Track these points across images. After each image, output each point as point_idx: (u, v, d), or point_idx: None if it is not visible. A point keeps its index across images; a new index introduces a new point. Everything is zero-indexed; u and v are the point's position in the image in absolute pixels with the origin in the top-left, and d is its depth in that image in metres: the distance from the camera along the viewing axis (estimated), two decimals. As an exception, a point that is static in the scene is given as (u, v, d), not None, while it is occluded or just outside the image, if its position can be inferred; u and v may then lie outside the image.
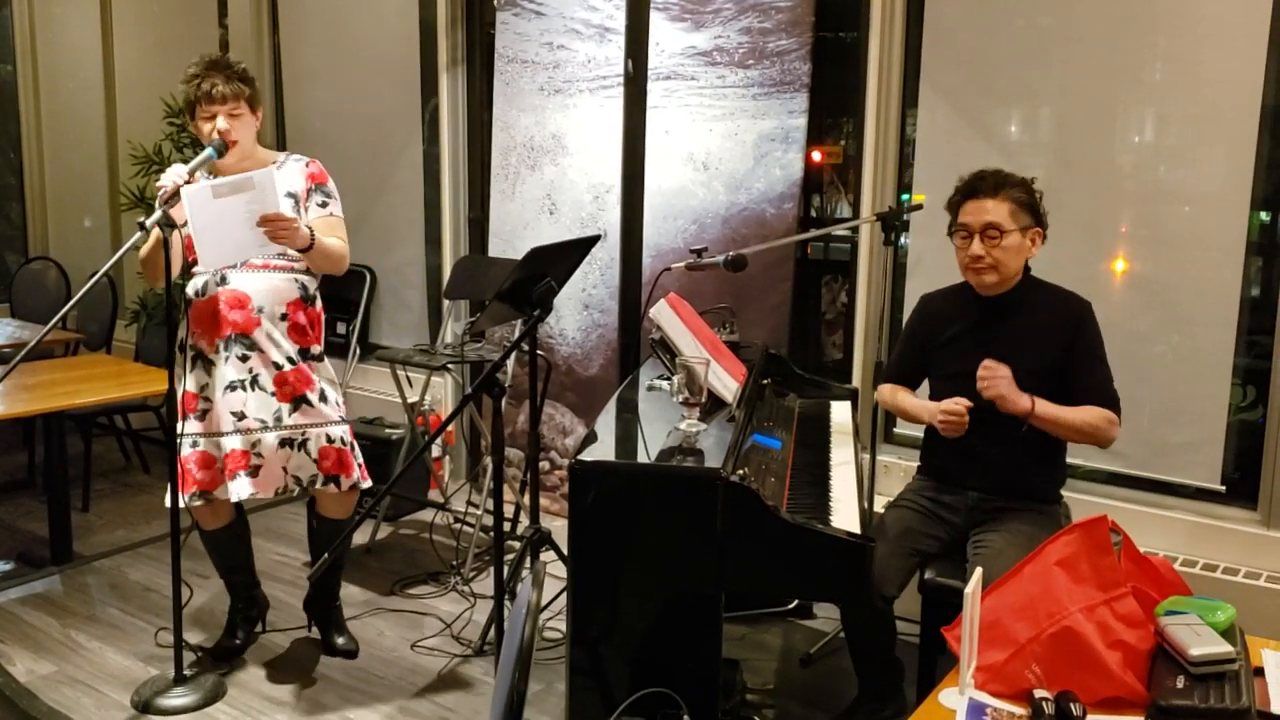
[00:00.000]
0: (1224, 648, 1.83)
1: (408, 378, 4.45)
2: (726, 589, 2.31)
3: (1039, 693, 1.83)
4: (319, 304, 3.27)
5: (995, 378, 2.66)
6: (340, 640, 3.44)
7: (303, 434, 3.17)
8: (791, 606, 3.72)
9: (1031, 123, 3.64)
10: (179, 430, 3.12)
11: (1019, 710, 1.84)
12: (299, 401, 3.15)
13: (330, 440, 3.19)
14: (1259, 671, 1.93)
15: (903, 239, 3.80)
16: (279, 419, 3.13)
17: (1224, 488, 3.27)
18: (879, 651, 2.80)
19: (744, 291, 3.99)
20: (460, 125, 5.02)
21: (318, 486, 3.22)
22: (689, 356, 2.59)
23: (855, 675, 2.88)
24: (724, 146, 4.16)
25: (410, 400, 4.43)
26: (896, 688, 2.86)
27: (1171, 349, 3.33)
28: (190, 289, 3.16)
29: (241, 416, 3.10)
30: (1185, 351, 3.31)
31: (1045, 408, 2.66)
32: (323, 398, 3.19)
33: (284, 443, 3.14)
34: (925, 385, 3.01)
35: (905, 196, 3.84)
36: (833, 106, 4.14)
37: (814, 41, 3.98)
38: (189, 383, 3.15)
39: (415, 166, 5.18)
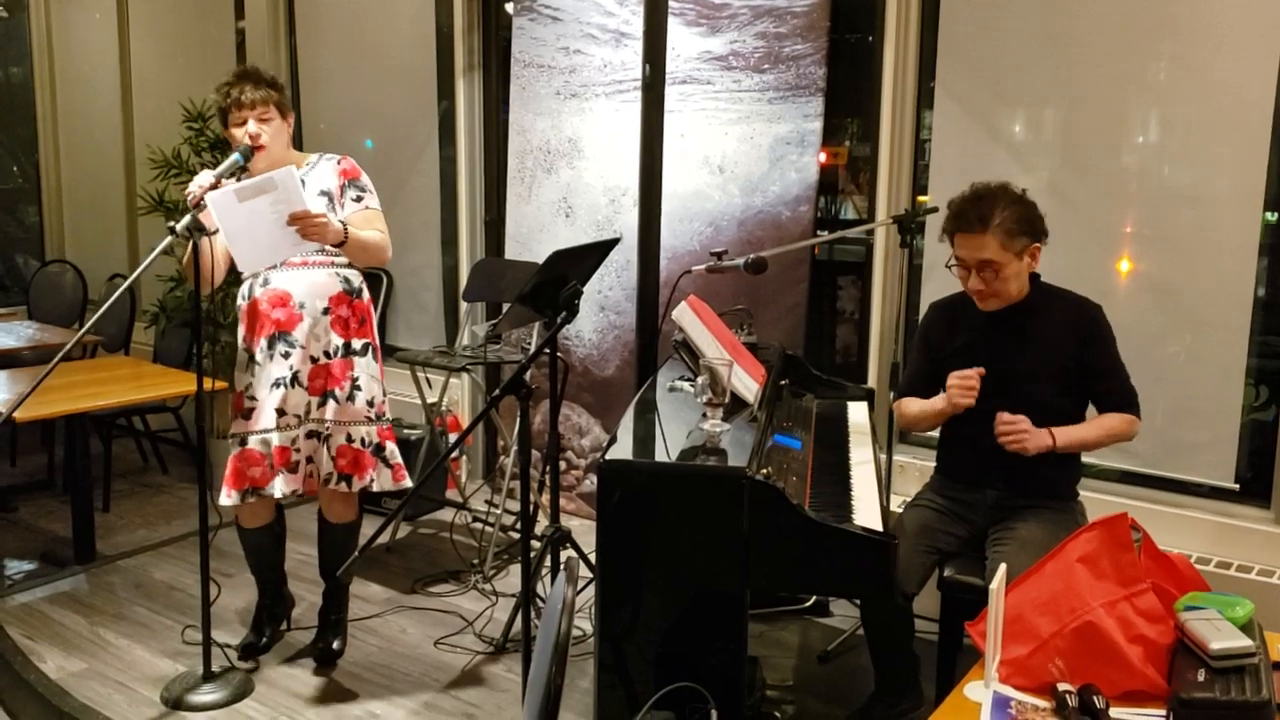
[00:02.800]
0: (1244, 642, 1.87)
1: (426, 379, 4.50)
2: (751, 586, 2.36)
3: (1062, 686, 1.87)
4: (366, 296, 3.31)
5: (1016, 430, 2.68)
6: (336, 643, 3.43)
7: (326, 429, 3.22)
8: (809, 604, 3.76)
9: (1041, 125, 3.68)
10: (228, 431, 3.20)
11: (1043, 703, 1.89)
12: (327, 396, 3.21)
13: (350, 440, 3.24)
14: (1277, 666, 1.97)
15: (918, 241, 3.84)
16: (308, 412, 3.19)
17: (1238, 486, 3.31)
18: (898, 648, 2.84)
19: (760, 293, 4.04)
20: (476, 129, 5.08)
21: (330, 486, 3.27)
22: (712, 358, 2.64)
23: (873, 671, 2.92)
24: (740, 150, 4.20)
25: (430, 401, 4.48)
26: (913, 683, 2.91)
27: (1184, 350, 3.37)
28: (239, 294, 3.23)
29: (282, 413, 3.16)
30: (1198, 352, 3.36)
31: (1066, 436, 2.70)
32: (351, 396, 3.24)
33: (311, 435, 3.21)
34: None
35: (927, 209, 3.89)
36: (848, 109, 4.19)
37: (829, 45, 4.02)
38: (239, 383, 3.22)
39: (431, 170, 5.23)
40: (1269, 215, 3.27)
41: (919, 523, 2.87)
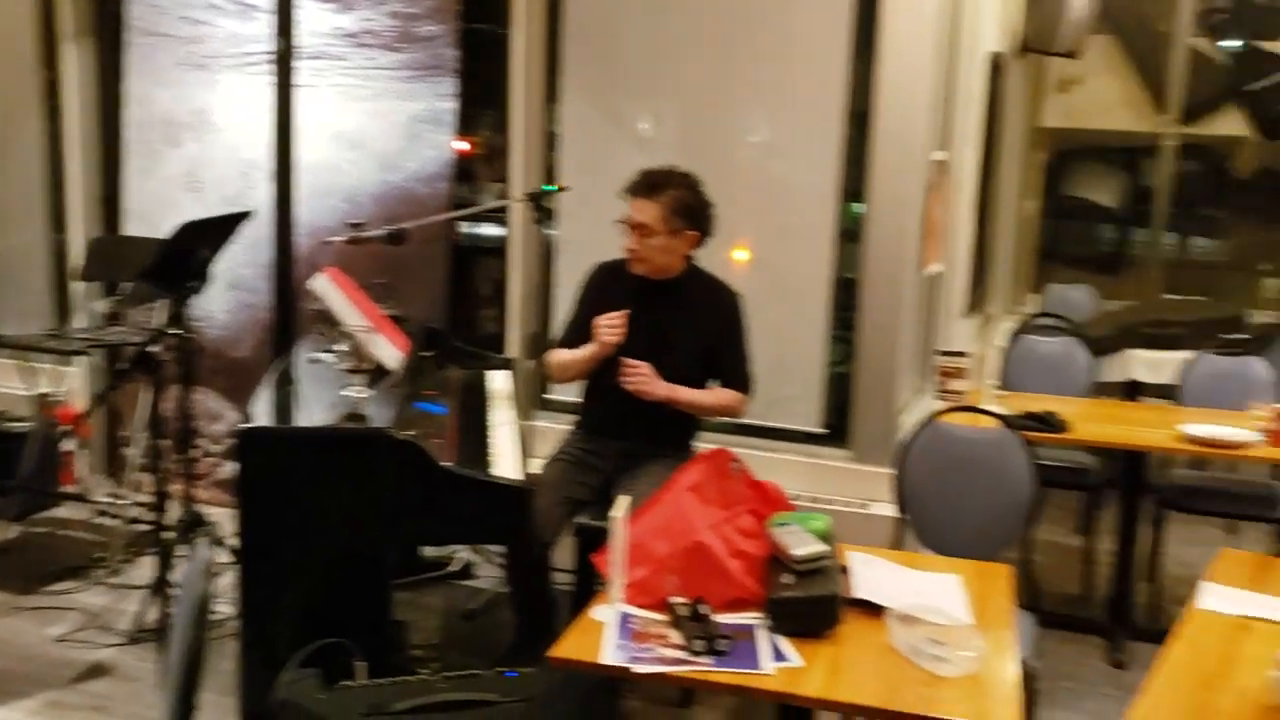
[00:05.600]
0: (821, 547, 2.20)
1: (37, 368, 4.16)
2: (398, 543, 2.45)
3: (675, 599, 2.11)
4: None
5: (637, 375, 2.95)
6: None
7: None
8: (454, 569, 3.89)
9: (662, 119, 4.01)
10: None
11: (661, 617, 2.12)
12: None
13: None
14: (846, 570, 2.33)
15: (551, 222, 4.05)
16: None
17: (825, 431, 3.81)
18: (538, 595, 3.03)
19: (401, 269, 4.10)
20: (88, 100, 4.72)
21: None
22: (353, 325, 2.69)
23: (515, 621, 3.09)
24: (376, 126, 4.23)
25: (40, 392, 4.14)
26: (552, 627, 3.11)
27: (780, 316, 3.82)
28: None
29: None
30: (791, 318, 3.82)
31: (685, 395, 3.01)
32: None
33: None
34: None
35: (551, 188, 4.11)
36: (482, 96, 4.33)
37: (461, 30, 4.15)
38: None
39: (32, 144, 4.81)
40: (856, 206, 3.76)
41: (555, 475, 3.07)
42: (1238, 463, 4.29)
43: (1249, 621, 2.17)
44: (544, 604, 3.06)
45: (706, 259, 3.22)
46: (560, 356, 3.19)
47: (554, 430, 3.99)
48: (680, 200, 3.01)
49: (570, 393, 3.43)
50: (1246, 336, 4.86)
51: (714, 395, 3.09)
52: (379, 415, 2.55)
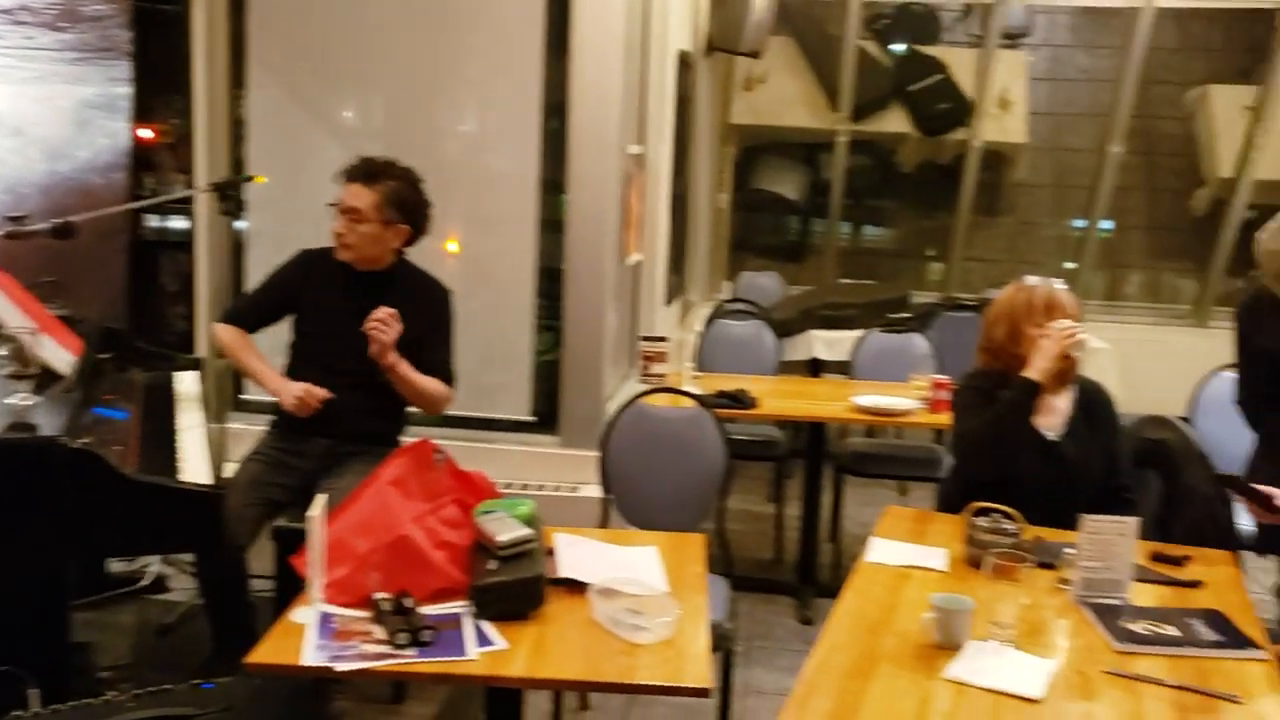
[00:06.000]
0: (524, 532, 2.25)
1: None
2: (79, 559, 2.29)
3: (379, 595, 2.10)
4: None
5: (379, 324, 2.84)
6: None
7: None
8: (145, 584, 3.66)
9: (366, 109, 3.94)
10: None
11: (363, 614, 2.10)
12: None
13: None
14: (552, 551, 2.40)
15: (242, 214, 3.88)
16: None
17: (535, 418, 3.88)
18: (234, 601, 2.91)
19: (74, 266, 3.79)
20: None
21: None
22: (14, 327, 2.48)
23: (211, 632, 2.96)
24: (39, 112, 3.89)
25: None
26: (251, 635, 2.99)
27: (487, 306, 3.85)
28: None
29: None
30: (499, 308, 3.86)
31: (404, 367, 2.95)
32: None
33: None
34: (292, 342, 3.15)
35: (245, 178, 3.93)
36: (163, 80, 4.08)
37: (134, 9, 3.88)
38: None
39: None
40: (564, 197, 3.83)
41: (249, 476, 2.96)
42: (904, 429, 4.74)
43: (909, 570, 2.42)
44: (241, 611, 2.93)
45: (415, 248, 3.20)
46: (247, 359, 3.07)
47: (250, 432, 3.83)
48: (397, 192, 2.98)
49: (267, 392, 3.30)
50: (910, 316, 5.36)
51: (430, 382, 3.07)
52: (49, 423, 2.37)
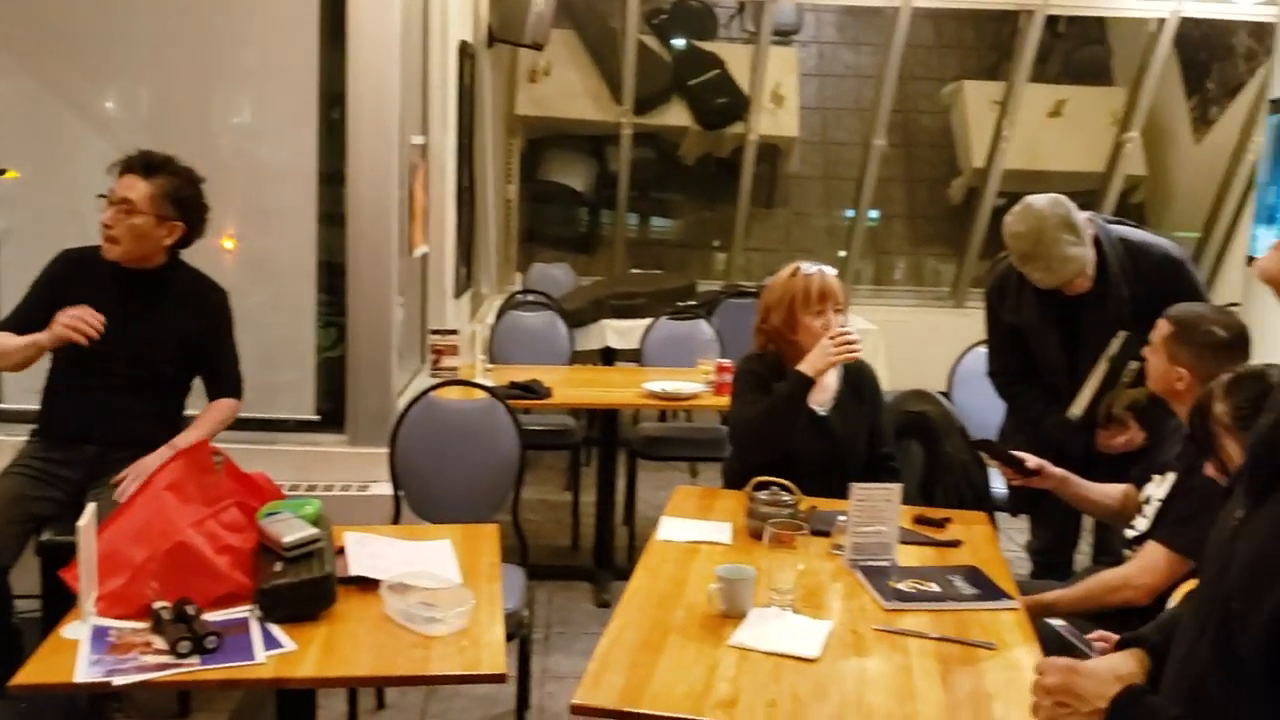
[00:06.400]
0: (310, 532, 2.21)
1: None
2: None
3: (158, 604, 2.01)
4: None
5: None
6: None
7: None
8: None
9: (130, 100, 3.72)
10: None
11: (142, 625, 2.01)
12: None
13: None
14: (343, 550, 2.36)
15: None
16: None
17: (319, 417, 3.78)
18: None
19: None
20: None
21: None
22: None
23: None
24: None
25: None
26: (18, 658, 2.80)
27: (267, 302, 3.72)
28: None
29: None
30: (278, 305, 3.74)
31: (182, 441, 2.77)
32: None
33: None
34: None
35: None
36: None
37: None
38: None
39: None
40: (327, 188, 3.73)
41: (9, 492, 2.77)
42: (693, 412, 4.90)
43: (697, 546, 2.51)
44: (3, 634, 2.74)
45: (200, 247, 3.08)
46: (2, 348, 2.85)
47: (9, 444, 3.58)
48: (176, 188, 2.87)
49: (30, 400, 3.09)
50: (696, 304, 5.54)
51: (210, 421, 2.95)
52: None
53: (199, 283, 3.03)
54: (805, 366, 2.76)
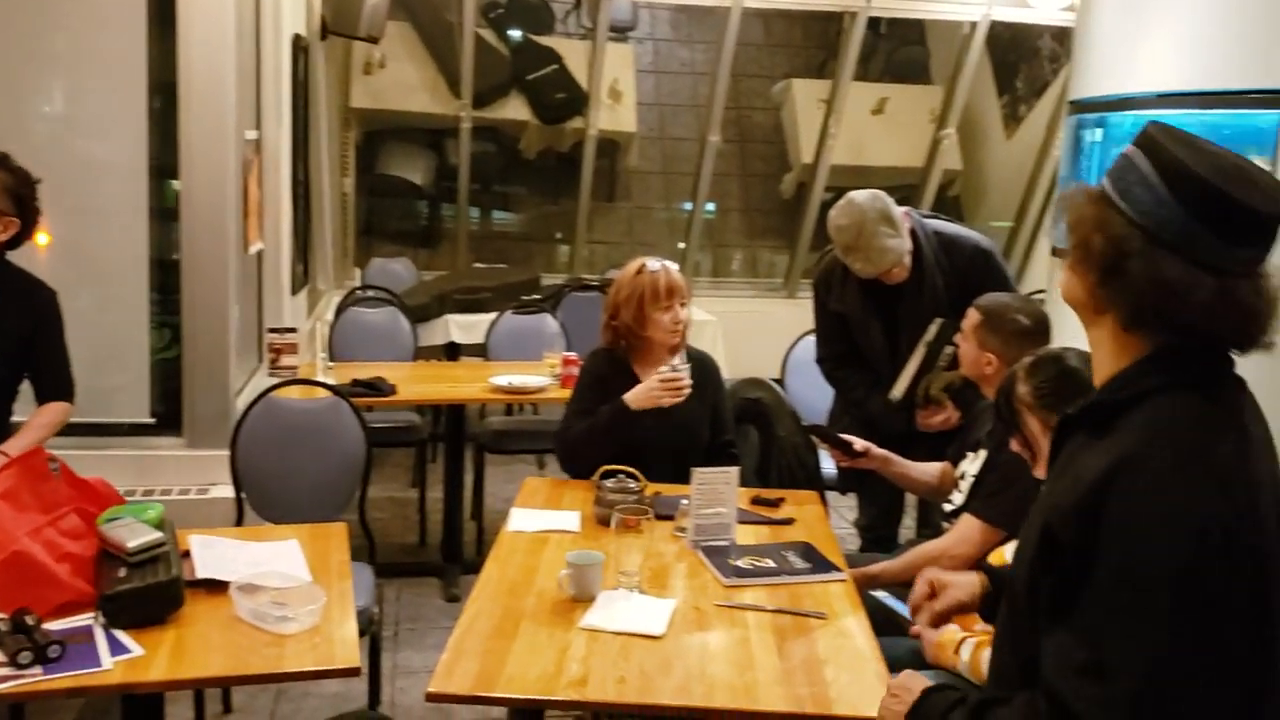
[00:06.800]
0: (155, 536, 2.18)
1: None
2: None
3: (-6, 616, 1.96)
4: None
5: None
6: None
7: None
8: None
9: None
10: None
11: (-25, 638, 1.94)
12: None
13: None
14: (188, 554, 2.33)
15: None
16: None
17: (154, 420, 3.68)
18: None
19: None
20: None
21: None
22: None
23: None
24: None
25: None
26: None
27: (96, 303, 3.59)
28: None
29: None
30: (108, 305, 3.62)
31: (15, 447, 2.65)
32: None
33: None
34: None
35: None
36: None
37: None
38: None
39: None
40: (175, 184, 3.63)
41: None
42: (540, 405, 4.97)
43: (547, 535, 2.59)
44: None
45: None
46: None
47: None
48: (15, 185, 2.73)
49: None
50: (541, 297, 5.59)
51: (40, 427, 2.83)
52: None
53: (27, 282, 2.91)
54: (630, 398, 2.86)
